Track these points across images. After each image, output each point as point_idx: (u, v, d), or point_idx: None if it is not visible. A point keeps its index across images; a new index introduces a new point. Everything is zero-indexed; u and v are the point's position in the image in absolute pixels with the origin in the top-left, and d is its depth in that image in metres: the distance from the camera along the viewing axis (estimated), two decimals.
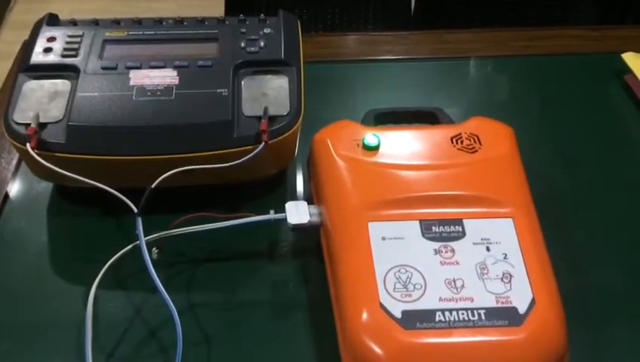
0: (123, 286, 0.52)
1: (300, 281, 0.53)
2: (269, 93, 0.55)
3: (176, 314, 0.46)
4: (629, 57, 0.70)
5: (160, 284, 0.47)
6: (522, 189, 0.50)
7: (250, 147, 0.52)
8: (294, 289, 0.52)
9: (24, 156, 0.54)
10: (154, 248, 0.51)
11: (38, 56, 0.57)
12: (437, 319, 0.42)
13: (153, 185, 0.51)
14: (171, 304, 0.47)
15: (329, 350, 0.47)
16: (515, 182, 0.50)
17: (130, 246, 0.51)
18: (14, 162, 0.63)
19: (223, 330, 0.49)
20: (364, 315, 0.43)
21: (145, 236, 0.50)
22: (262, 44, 0.58)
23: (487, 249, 0.46)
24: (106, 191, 0.52)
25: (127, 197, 0.51)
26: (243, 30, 0.59)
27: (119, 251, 0.51)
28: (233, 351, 0.48)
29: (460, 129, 0.53)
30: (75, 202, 0.58)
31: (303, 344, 0.49)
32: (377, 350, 0.42)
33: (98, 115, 0.53)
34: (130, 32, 0.59)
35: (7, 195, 0.60)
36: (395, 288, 0.44)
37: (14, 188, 0.60)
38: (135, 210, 0.50)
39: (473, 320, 0.42)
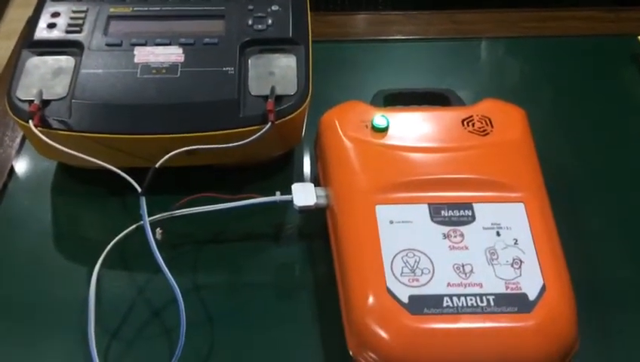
0: (127, 266, 0.52)
1: (306, 264, 0.52)
2: (277, 73, 0.54)
3: (179, 295, 0.46)
4: None
5: (164, 265, 0.47)
6: (534, 174, 0.49)
7: (256, 127, 0.51)
8: (300, 272, 0.52)
9: (27, 133, 0.53)
10: (158, 228, 0.50)
11: (41, 32, 0.56)
12: (445, 304, 0.42)
13: (157, 165, 0.50)
14: (175, 285, 0.46)
15: (334, 333, 0.46)
16: (527, 167, 0.49)
17: (133, 227, 0.51)
18: (18, 140, 0.62)
19: (227, 312, 0.49)
20: (371, 299, 0.42)
21: (149, 216, 0.49)
22: (269, 21, 0.57)
23: (498, 234, 0.45)
24: (110, 170, 0.51)
25: (131, 177, 0.51)
26: (250, 7, 0.58)
27: (123, 231, 0.51)
28: (237, 334, 0.48)
29: (472, 111, 0.52)
30: (79, 181, 0.58)
31: (308, 327, 0.48)
32: (383, 335, 0.41)
33: (102, 93, 0.52)
34: (135, 8, 0.58)
35: (11, 173, 0.59)
36: (402, 272, 0.43)
37: (18, 167, 0.60)
38: (139, 189, 0.50)
39: (482, 306, 0.42)
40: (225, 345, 0.47)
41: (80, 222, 0.56)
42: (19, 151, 0.61)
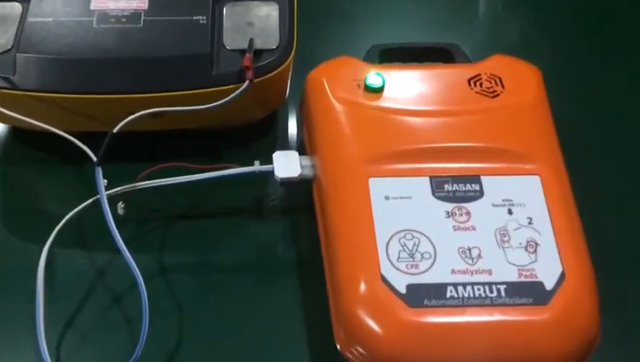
0: (84, 245, 0.47)
1: (289, 243, 0.49)
2: (256, 23, 0.50)
3: (140, 278, 0.42)
4: None
5: (122, 244, 0.42)
6: (551, 141, 0.45)
7: (232, 86, 0.47)
8: (282, 252, 0.49)
9: None
10: (120, 202, 0.46)
11: None
12: (448, 295, 0.38)
13: (115, 130, 0.45)
14: (135, 267, 0.42)
15: (320, 324, 0.42)
16: (542, 133, 0.45)
17: (91, 200, 0.46)
18: None
19: (199, 298, 0.45)
20: (362, 288, 0.38)
21: (110, 188, 0.45)
22: None
23: (509, 212, 0.41)
24: (61, 136, 0.46)
25: (90, 143, 0.46)
26: None
27: (80, 205, 0.46)
28: (210, 322, 0.44)
29: (479, 69, 0.48)
30: (32, 146, 0.53)
31: (290, 315, 0.45)
32: (376, 329, 0.37)
33: (52, 45, 0.47)
34: None
35: None
36: (399, 257, 0.39)
37: None
38: (94, 158, 0.45)
39: (491, 297, 0.38)
40: (195, 335, 0.44)
41: (32, 193, 0.51)
42: None
